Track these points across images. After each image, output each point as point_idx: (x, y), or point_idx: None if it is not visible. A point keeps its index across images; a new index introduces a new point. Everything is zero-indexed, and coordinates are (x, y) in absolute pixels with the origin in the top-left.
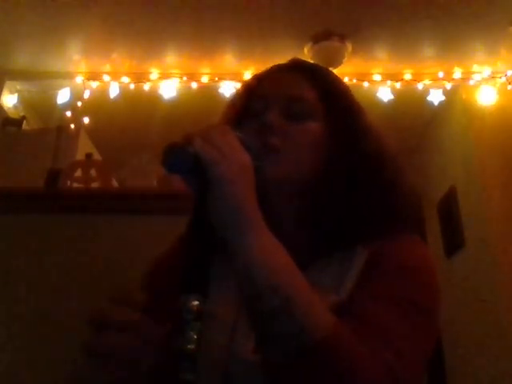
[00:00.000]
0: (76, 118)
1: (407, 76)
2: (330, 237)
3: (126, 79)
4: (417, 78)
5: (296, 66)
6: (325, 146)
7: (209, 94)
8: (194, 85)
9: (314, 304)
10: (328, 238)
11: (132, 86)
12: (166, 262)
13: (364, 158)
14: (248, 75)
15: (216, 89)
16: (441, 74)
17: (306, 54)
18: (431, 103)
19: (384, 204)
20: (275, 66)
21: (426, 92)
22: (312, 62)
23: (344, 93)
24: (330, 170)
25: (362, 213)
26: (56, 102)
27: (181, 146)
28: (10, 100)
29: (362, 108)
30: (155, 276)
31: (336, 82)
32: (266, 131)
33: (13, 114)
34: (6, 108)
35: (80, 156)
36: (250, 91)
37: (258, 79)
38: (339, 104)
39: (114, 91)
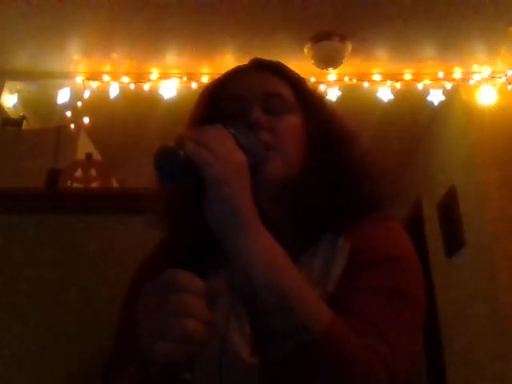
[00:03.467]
0: (76, 117)
1: (407, 76)
2: (313, 225)
3: (126, 79)
4: (417, 77)
5: (261, 65)
6: (303, 137)
7: None
8: (194, 85)
9: (311, 300)
10: (311, 227)
11: (132, 86)
12: (155, 263)
13: (338, 146)
14: None
15: None
16: (441, 74)
17: (306, 54)
18: (431, 103)
19: (355, 187)
20: (236, 68)
21: (426, 92)
22: (313, 61)
23: (308, 85)
24: (310, 160)
25: (337, 196)
26: (56, 102)
27: (172, 150)
28: (9, 100)
29: (324, 96)
30: (145, 277)
31: (299, 76)
32: (256, 129)
33: (13, 114)
34: (6, 108)
35: (80, 156)
36: (218, 96)
37: (223, 82)
38: (310, 96)
39: (114, 91)
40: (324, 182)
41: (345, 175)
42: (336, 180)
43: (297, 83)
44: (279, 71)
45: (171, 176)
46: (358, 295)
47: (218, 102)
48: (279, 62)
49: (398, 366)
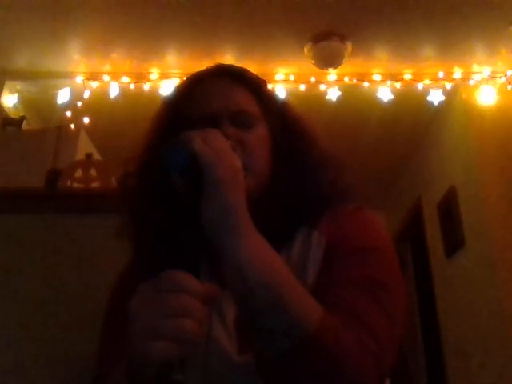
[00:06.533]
0: (76, 117)
1: (407, 76)
2: (285, 225)
3: (126, 79)
4: (417, 77)
5: (223, 73)
6: (269, 143)
7: None
8: None
9: (303, 299)
10: (284, 227)
11: (132, 86)
12: (132, 274)
13: (300, 146)
14: None
15: None
16: (441, 74)
17: (306, 54)
18: (431, 103)
19: (319, 183)
20: (200, 76)
21: (426, 92)
22: (313, 61)
23: (268, 88)
24: (277, 164)
25: (304, 195)
26: (56, 102)
27: (181, 144)
28: (10, 100)
29: (286, 101)
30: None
31: (260, 81)
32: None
33: (13, 114)
34: (6, 108)
35: (80, 156)
36: (185, 109)
37: (189, 94)
38: (272, 101)
39: (114, 91)
40: (290, 184)
41: (308, 173)
42: (301, 179)
43: (259, 89)
44: (243, 79)
45: (173, 169)
46: (338, 288)
47: (185, 117)
48: (241, 69)
49: (384, 357)
